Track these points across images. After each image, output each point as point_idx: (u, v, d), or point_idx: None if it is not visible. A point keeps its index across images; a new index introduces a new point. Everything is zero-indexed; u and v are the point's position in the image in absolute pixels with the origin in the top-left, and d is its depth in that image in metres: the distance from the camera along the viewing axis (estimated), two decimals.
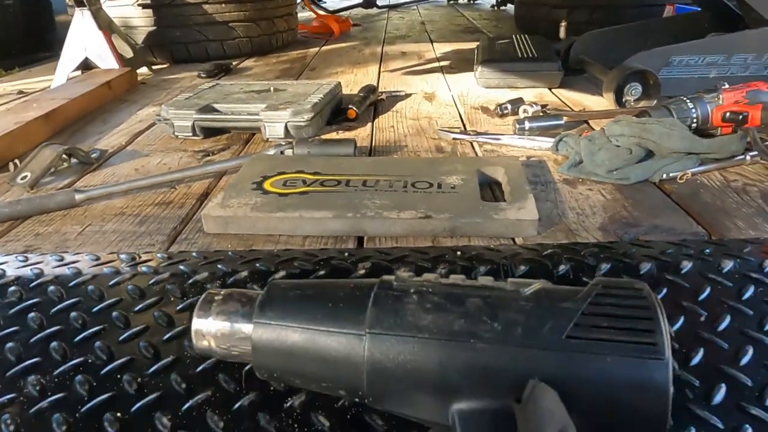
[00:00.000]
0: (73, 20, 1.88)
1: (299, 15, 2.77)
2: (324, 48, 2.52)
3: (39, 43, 2.48)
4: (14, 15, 2.34)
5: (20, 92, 1.79)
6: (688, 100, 1.10)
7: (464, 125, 1.28)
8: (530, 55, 1.62)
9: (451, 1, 4.77)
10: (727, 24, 1.50)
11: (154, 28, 2.12)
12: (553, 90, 1.55)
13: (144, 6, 2.08)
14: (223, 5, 2.17)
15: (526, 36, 1.91)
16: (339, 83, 1.43)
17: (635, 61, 1.31)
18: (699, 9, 1.63)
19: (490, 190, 0.91)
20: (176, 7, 2.10)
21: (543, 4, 2.42)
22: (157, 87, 1.81)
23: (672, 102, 1.10)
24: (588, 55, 1.62)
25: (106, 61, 1.85)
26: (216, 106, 1.27)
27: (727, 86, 1.16)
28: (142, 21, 2.11)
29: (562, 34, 2.44)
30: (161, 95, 1.69)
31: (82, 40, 1.87)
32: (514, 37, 1.92)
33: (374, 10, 4.26)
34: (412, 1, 4.78)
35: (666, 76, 1.31)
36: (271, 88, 1.39)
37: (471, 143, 1.15)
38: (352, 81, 1.78)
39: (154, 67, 2.11)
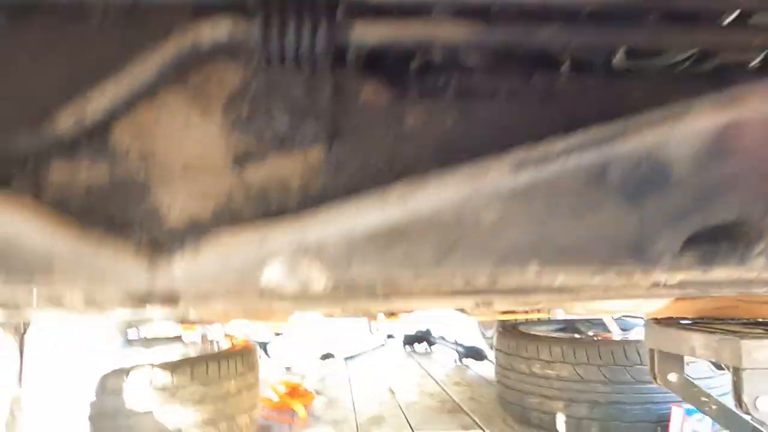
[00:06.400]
0: None
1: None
2: None
3: None
4: None
5: None
6: None
7: None
8: None
9: (408, 348, 4.69)
10: None
11: None
12: None
13: None
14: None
15: None
16: None
17: None
18: None
19: None
20: None
21: (532, 393, 2.25)
22: None
23: None
24: None
25: None
26: None
27: None
28: None
29: (560, 427, 2.22)
30: None
31: None
32: None
33: (332, 361, 4.09)
34: (367, 350, 4.67)
35: None
36: None
37: None
38: None
39: None
